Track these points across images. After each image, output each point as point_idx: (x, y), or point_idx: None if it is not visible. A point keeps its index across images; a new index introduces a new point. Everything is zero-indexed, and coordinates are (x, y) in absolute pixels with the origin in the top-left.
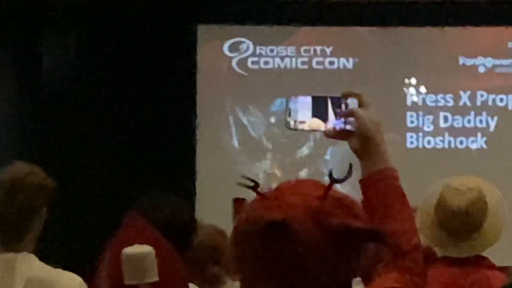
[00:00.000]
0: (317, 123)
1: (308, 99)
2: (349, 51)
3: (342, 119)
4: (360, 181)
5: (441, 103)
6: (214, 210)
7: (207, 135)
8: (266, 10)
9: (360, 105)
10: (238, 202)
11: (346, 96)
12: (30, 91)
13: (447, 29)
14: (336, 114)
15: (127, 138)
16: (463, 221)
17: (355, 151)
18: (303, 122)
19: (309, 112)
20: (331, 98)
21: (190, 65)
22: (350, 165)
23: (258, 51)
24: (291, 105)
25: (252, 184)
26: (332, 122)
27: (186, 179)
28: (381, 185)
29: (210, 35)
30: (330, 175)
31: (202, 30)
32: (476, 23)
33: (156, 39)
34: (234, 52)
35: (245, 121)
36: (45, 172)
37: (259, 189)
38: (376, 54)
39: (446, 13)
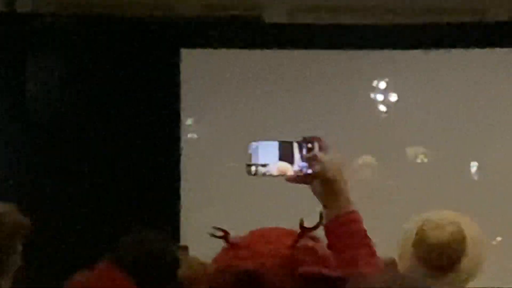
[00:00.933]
0: (284, 168)
1: (274, 144)
2: (332, 75)
3: (305, 164)
4: (324, 226)
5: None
6: (198, 237)
7: (192, 159)
8: (251, 34)
9: (321, 148)
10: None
11: (307, 140)
12: (14, 115)
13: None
14: (299, 159)
15: (111, 162)
16: (443, 255)
17: (318, 195)
18: (267, 166)
19: (276, 157)
20: (292, 142)
21: (174, 89)
22: (321, 214)
23: (241, 74)
24: (252, 151)
25: (222, 234)
26: (297, 166)
27: (171, 206)
28: (344, 230)
29: (193, 59)
30: (301, 224)
31: (186, 54)
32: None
33: (139, 63)
34: (218, 76)
35: (229, 145)
36: (24, 203)
37: (229, 238)
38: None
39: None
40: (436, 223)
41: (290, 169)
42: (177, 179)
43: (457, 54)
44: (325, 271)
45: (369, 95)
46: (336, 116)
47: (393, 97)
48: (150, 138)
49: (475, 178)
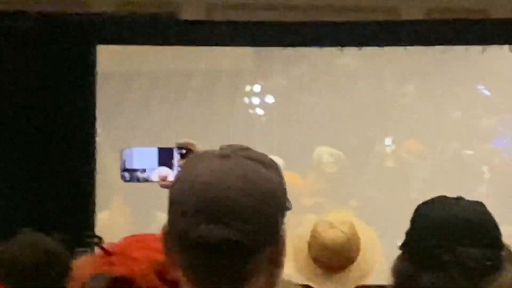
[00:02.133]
0: (165, 173)
1: (152, 150)
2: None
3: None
4: None
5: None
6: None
7: (106, 158)
8: (168, 31)
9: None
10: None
11: (181, 146)
12: None
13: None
14: (173, 164)
15: (22, 163)
16: (337, 254)
17: None
18: (145, 172)
19: (155, 163)
20: (172, 148)
21: (90, 85)
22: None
23: (158, 71)
24: (126, 157)
25: (97, 240)
26: (172, 172)
27: (85, 209)
28: None
29: (109, 55)
30: None
31: (102, 51)
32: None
33: (55, 60)
34: (134, 73)
35: (143, 141)
36: None
37: (103, 245)
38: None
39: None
40: (330, 223)
41: (171, 175)
42: (92, 180)
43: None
44: None
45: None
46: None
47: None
48: (65, 137)
49: (372, 175)
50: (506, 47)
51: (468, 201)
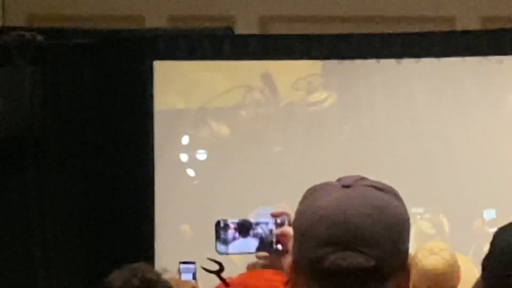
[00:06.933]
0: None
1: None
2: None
3: (275, 239)
4: None
5: None
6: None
7: (165, 170)
8: (224, 45)
9: (290, 223)
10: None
11: (276, 215)
12: None
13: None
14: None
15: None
16: (437, 281)
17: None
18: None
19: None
20: (263, 222)
21: (147, 102)
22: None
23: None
24: (221, 229)
25: (217, 268)
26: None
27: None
28: None
29: (166, 71)
30: None
31: (158, 66)
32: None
33: (111, 77)
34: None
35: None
36: None
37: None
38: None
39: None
40: (430, 249)
41: (272, 250)
42: (151, 199)
43: None
44: None
45: None
46: None
47: None
48: (123, 152)
49: None
50: None
51: None
